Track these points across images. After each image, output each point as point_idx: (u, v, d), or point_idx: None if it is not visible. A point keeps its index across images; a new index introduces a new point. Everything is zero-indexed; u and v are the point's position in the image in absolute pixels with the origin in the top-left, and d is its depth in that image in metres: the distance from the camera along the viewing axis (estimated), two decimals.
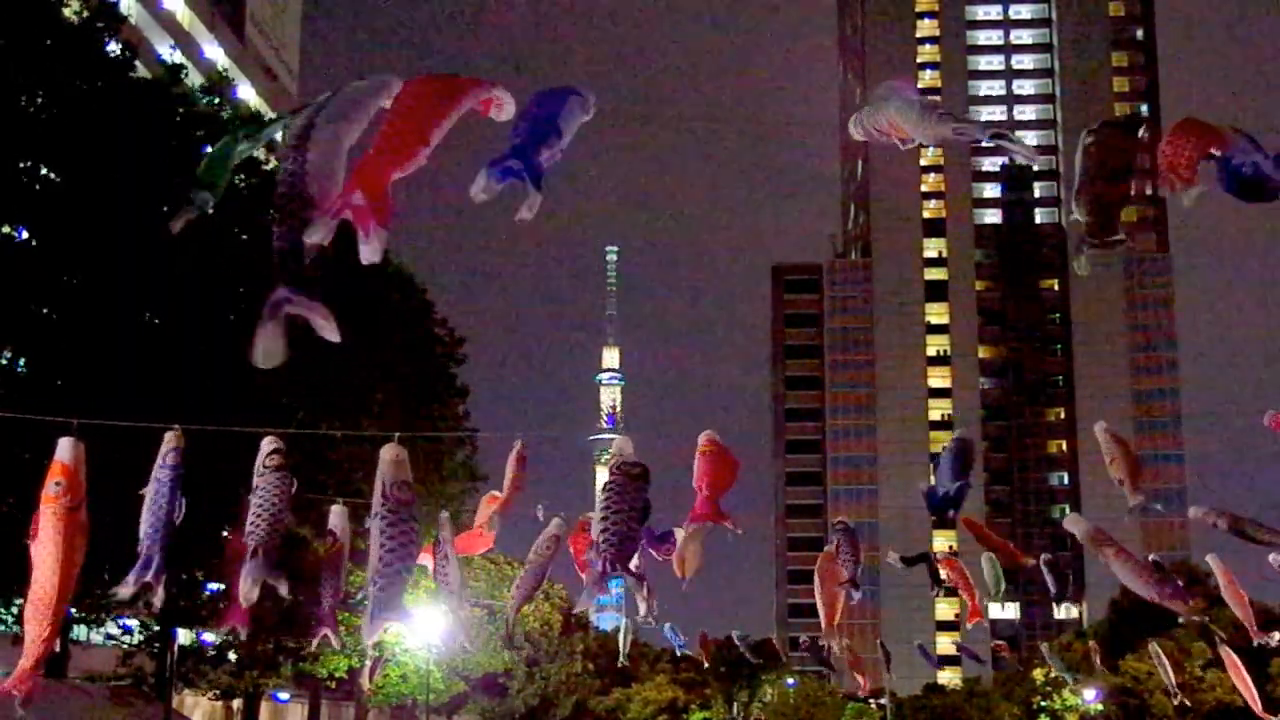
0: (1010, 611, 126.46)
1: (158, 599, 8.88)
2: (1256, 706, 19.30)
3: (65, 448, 8.38)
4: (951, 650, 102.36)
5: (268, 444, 9.10)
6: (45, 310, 24.49)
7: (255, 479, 8.91)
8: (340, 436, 24.47)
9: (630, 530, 8.34)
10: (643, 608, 9.26)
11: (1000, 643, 69.23)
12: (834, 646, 17.77)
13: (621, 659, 20.74)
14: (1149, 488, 13.57)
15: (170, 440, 8.96)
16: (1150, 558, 15.65)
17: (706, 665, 28.55)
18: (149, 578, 8.60)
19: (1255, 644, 14.55)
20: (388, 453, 8.68)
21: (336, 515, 12.10)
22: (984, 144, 7.00)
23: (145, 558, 8.64)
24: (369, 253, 5.64)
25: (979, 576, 17.92)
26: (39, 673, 8.08)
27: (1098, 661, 35.76)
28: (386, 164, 5.67)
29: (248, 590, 8.46)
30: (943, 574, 17.51)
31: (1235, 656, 18.32)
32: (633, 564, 8.57)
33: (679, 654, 56.00)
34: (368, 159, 5.71)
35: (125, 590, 8.69)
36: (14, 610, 25.52)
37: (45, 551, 8.09)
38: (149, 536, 8.71)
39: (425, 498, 31.62)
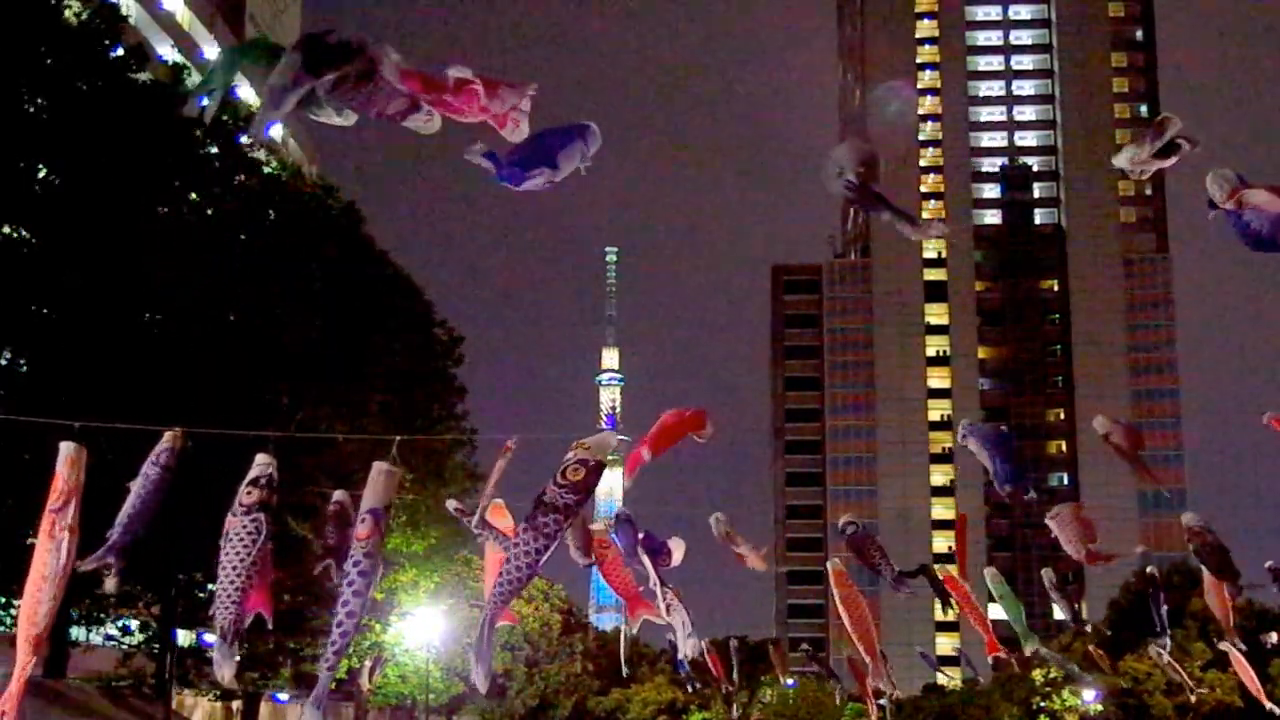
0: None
1: (112, 582, 8.94)
2: (1264, 699, 19.29)
3: (65, 455, 8.42)
4: (950, 651, 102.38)
5: (257, 467, 8.74)
6: (45, 310, 24.48)
7: (229, 517, 8.62)
8: (342, 440, 24.48)
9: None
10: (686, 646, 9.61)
11: (1001, 646, 68.88)
12: (884, 686, 17.53)
13: (625, 670, 20.61)
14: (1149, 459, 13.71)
15: (167, 439, 8.94)
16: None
17: (703, 682, 28.36)
18: (109, 559, 8.70)
19: (1263, 640, 14.54)
20: (376, 470, 8.59)
21: (338, 496, 12.18)
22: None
23: (110, 542, 8.69)
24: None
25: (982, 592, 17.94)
26: (24, 687, 8.14)
27: (1101, 660, 35.62)
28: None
29: (227, 674, 8.41)
30: (952, 600, 17.57)
31: (1240, 655, 18.29)
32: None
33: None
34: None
35: (85, 565, 8.70)
36: (13, 611, 25.52)
37: (41, 563, 8.18)
38: (120, 524, 8.75)
39: (424, 497, 31.64)
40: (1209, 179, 7.37)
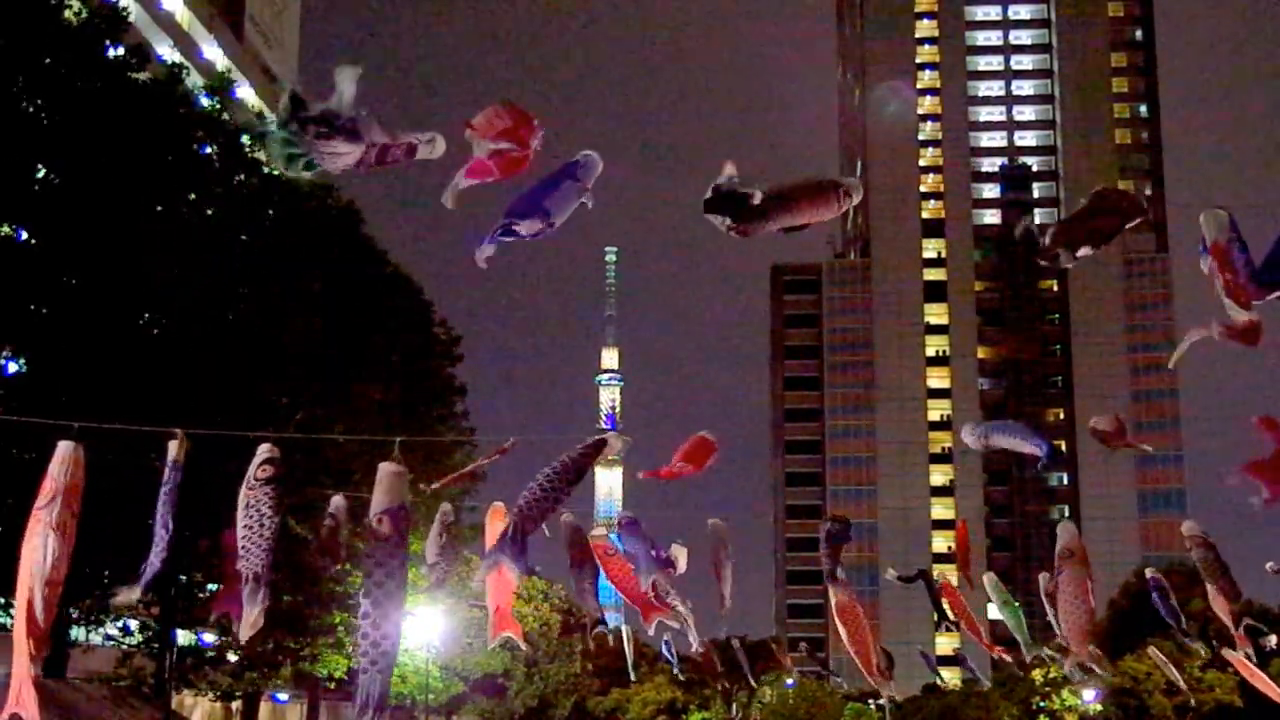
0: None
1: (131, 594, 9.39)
2: (1276, 695, 19.22)
3: (59, 454, 8.41)
4: (949, 651, 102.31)
5: (262, 452, 8.95)
6: (45, 310, 24.48)
7: (245, 490, 8.80)
8: (342, 441, 24.47)
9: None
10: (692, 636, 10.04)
11: (998, 646, 68.85)
12: (892, 695, 17.59)
13: (631, 674, 20.69)
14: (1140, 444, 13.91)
15: (173, 448, 8.96)
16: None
17: (701, 680, 28.54)
18: (144, 585, 8.95)
19: (1260, 643, 14.53)
20: (384, 470, 8.58)
21: (335, 502, 12.18)
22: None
23: (147, 568, 8.86)
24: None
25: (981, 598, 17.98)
26: (33, 684, 8.13)
27: (1099, 661, 35.59)
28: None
29: (253, 618, 8.45)
30: (948, 611, 17.59)
31: (1243, 659, 18.25)
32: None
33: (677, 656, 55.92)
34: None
35: (129, 596, 8.91)
36: (13, 611, 25.51)
37: (30, 562, 8.15)
38: (154, 549, 8.89)
39: (424, 498, 31.67)
40: (1202, 219, 7.29)
